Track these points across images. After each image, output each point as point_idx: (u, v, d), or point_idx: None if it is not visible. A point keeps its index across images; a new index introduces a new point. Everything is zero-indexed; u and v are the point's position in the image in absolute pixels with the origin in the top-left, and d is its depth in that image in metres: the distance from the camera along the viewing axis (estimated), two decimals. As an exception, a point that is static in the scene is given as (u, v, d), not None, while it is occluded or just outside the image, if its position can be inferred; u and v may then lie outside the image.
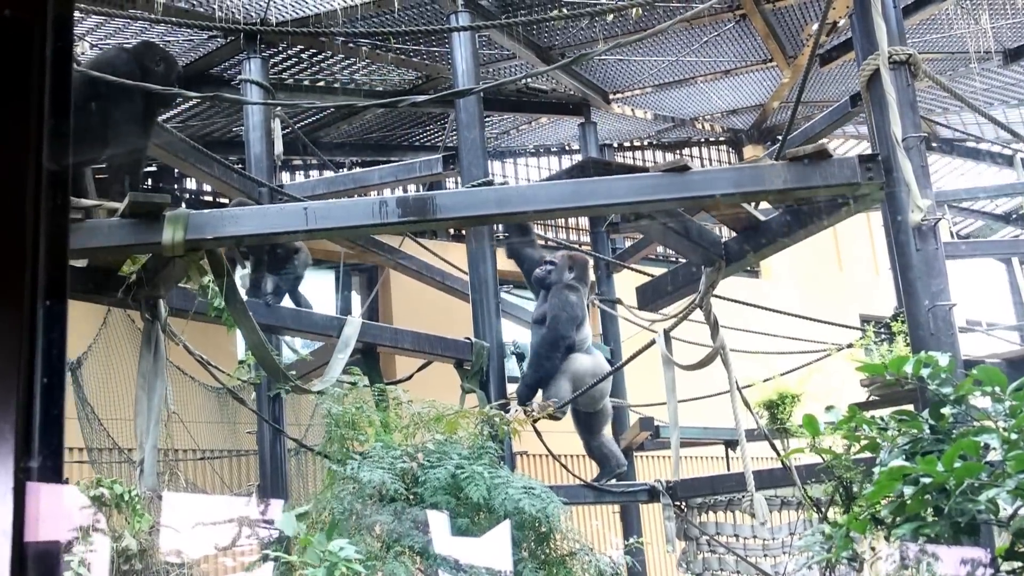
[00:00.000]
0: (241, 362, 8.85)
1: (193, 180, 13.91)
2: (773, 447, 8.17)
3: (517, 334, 11.99)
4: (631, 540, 10.91)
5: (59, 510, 1.82)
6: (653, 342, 7.87)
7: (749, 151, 16.22)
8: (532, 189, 6.55)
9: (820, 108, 13.48)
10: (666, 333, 7.76)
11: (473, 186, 9.14)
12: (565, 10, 11.16)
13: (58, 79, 1.91)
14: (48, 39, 1.91)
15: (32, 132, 1.86)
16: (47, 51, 1.90)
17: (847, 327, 11.57)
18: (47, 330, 1.81)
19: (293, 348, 10.40)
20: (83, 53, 10.33)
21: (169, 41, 11.02)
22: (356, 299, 9.71)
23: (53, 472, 1.80)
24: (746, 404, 8.44)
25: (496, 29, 10.96)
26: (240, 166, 10.85)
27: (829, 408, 4.48)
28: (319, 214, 6.25)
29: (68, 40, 1.96)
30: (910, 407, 5.70)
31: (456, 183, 10.38)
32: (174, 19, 9.76)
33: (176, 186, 14.32)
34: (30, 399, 1.77)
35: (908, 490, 3.62)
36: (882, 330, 8.77)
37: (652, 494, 10.29)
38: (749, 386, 9.31)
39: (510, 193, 6.51)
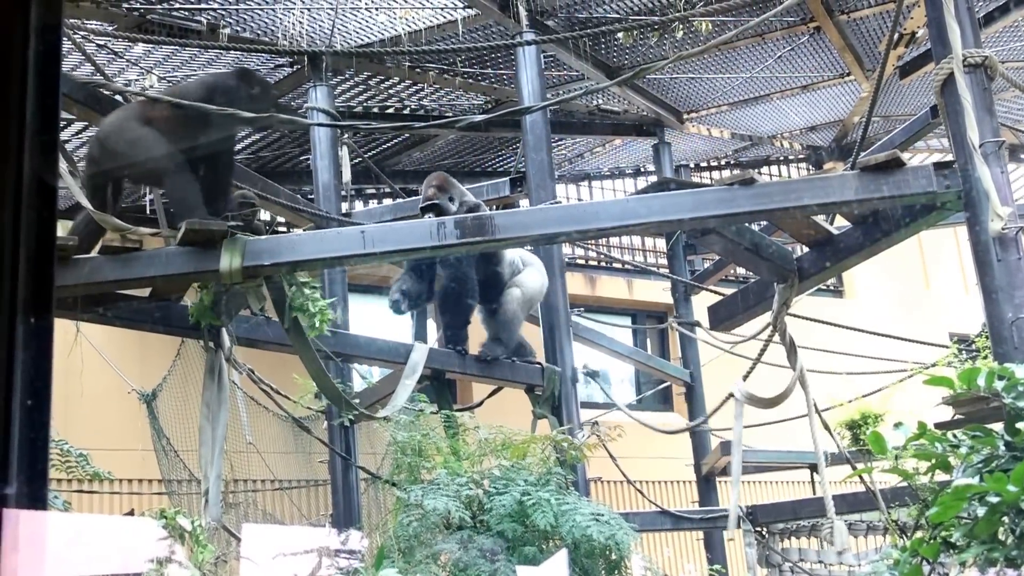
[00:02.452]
0: (317, 395, 8.79)
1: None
2: (855, 469, 7.88)
3: (589, 358, 11.81)
4: (712, 568, 10.64)
5: (39, 540, 1.71)
6: (731, 395, 7.67)
7: (830, 168, 15.89)
8: (592, 207, 6.42)
9: (902, 122, 13.15)
10: (743, 389, 7.52)
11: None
12: (634, 30, 11.03)
13: (43, 87, 1.81)
14: (31, 46, 1.81)
15: (11, 141, 1.75)
16: (29, 58, 1.80)
17: (934, 345, 11.22)
18: (28, 349, 1.70)
19: (363, 375, 10.33)
20: (151, 85, 10.43)
21: (236, 72, 11.07)
22: (432, 325, 9.62)
23: (33, 500, 1.69)
24: (826, 427, 8.20)
25: (562, 47, 10.86)
26: (310, 196, 10.87)
27: (898, 425, 4.24)
28: (376, 237, 6.17)
29: (54, 47, 1.86)
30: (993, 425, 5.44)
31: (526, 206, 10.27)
32: (241, 47, 9.80)
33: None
34: (7, 422, 1.66)
35: (980, 510, 3.40)
36: (968, 347, 8.45)
37: (732, 520, 10.01)
38: (830, 408, 9.05)
39: (569, 212, 6.37)
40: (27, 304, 1.71)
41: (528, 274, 9.55)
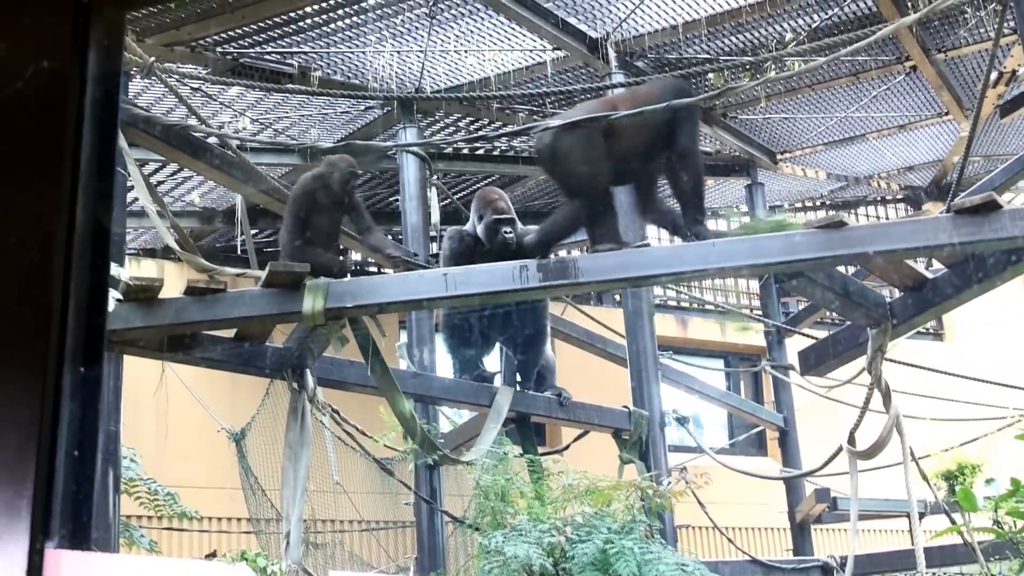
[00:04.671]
0: (405, 436, 8.76)
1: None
2: (952, 521, 7.64)
3: (678, 401, 11.65)
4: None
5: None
6: (840, 449, 7.46)
7: (928, 208, 15.57)
8: (676, 250, 6.31)
9: (1003, 162, 12.84)
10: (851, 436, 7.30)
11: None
12: (725, 70, 10.94)
13: (100, 134, 1.80)
14: (88, 92, 1.79)
15: (64, 188, 1.73)
16: (85, 104, 1.78)
17: (1039, 393, 10.85)
18: (78, 398, 1.67)
19: (449, 418, 10.30)
20: (243, 128, 10.58)
21: (327, 114, 11.20)
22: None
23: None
24: (923, 476, 7.95)
25: (651, 88, 10.78)
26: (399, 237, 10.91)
27: (989, 481, 4.08)
28: (459, 279, 6.13)
29: (112, 93, 1.84)
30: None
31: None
32: (332, 91, 9.90)
33: (341, 258, 14.51)
34: (51, 473, 1.62)
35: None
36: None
37: (825, 571, 9.78)
38: (926, 456, 8.79)
39: (654, 255, 6.26)
40: (76, 354, 1.68)
41: None
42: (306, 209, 6.70)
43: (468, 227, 8.29)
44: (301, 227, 6.66)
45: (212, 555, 9.13)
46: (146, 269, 11.82)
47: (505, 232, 7.82)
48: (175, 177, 11.60)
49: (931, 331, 17.48)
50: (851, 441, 7.24)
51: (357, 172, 6.81)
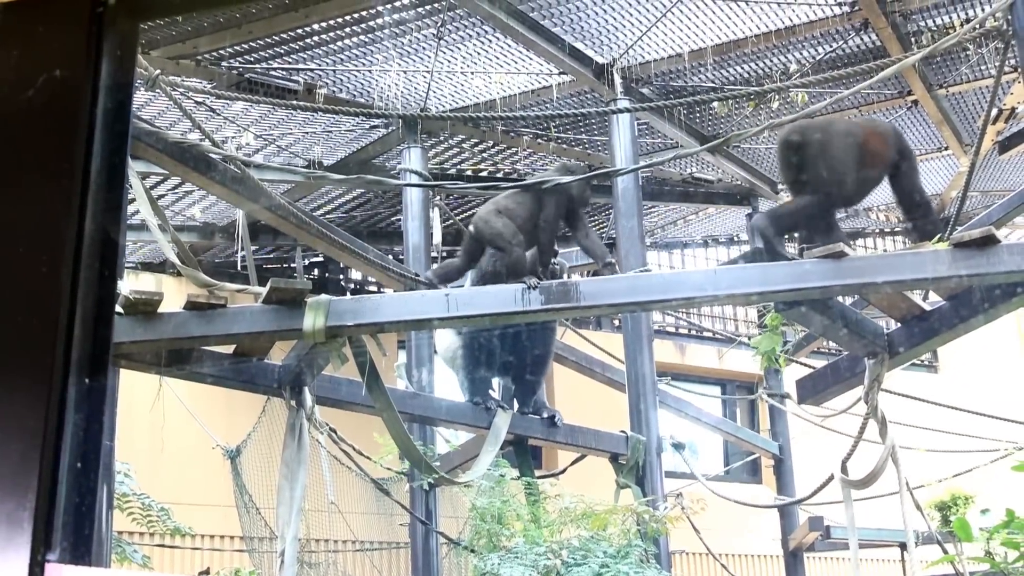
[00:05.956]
0: (401, 457, 8.74)
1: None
2: (944, 551, 7.63)
3: (677, 427, 11.63)
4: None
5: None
6: (832, 477, 7.46)
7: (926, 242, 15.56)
8: (679, 276, 6.33)
9: (1001, 198, 12.86)
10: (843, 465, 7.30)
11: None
12: (730, 100, 10.96)
13: (111, 145, 1.79)
14: (100, 102, 1.78)
15: (74, 197, 1.72)
16: (97, 115, 1.78)
17: (1030, 426, 10.85)
18: (82, 410, 1.66)
19: (446, 439, 10.27)
20: (247, 143, 10.60)
21: (331, 131, 11.20)
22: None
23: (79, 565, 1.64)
24: (917, 506, 7.95)
25: (657, 115, 10.82)
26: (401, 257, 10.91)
27: (984, 512, 4.07)
28: (461, 301, 6.14)
29: (125, 104, 1.84)
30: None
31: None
32: (337, 108, 9.92)
33: (342, 276, 14.54)
34: (54, 485, 1.61)
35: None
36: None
37: (819, 600, 9.74)
38: (921, 487, 8.79)
39: (655, 280, 6.28)
40: (81, 364, 1.67)
41: None
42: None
43: None
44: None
45: (205, 572, 9.10)
46: (145, 283, 11.80)
47: (554, 265, 7.90)
48: (176, 191, 11.60)
49: (925, 363, 17.46)
50: (844, 470, 7.23)
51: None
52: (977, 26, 8.35)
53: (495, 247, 6.80)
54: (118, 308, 5.85)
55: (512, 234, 6.60)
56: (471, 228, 6.99)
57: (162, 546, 10.03)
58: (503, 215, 6.77)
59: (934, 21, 9.97)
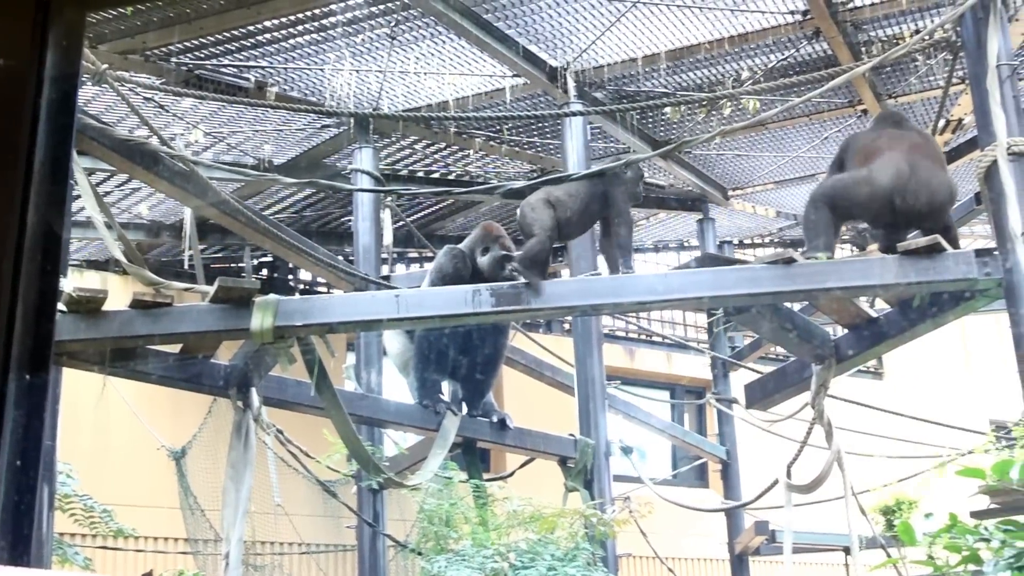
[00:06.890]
0: (348, 458, 8.67)
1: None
2: (888, 555, 7.71)
3: (626, 431, 11.65)
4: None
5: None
6: (776, 481, 7.52)
7: (873, 250, 15.70)
8: (630, 280, 6.31)
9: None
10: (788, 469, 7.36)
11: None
12: (682, 105, 11.00)
13: (56, 137, 1.75)
14: (45, 93, 1.74)
15: (16, 189, 1.68)
16: (41, 106, 1.74)
17: (973, 432, 10.99)
18: (22, 407, 1.62)
19: (395, 441, 10.21)
20: (196, 140, 10.49)
21: (282, 130, 11.13)
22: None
23: (16, 566, 1.60)
24: (862, 511, 8.02)
25: (610, 119, 10.83)
26: (351, 257, 10.85)
27: (928, 515, 4.11)
28: (411, 302, 6.12)
29: (70, 95, 1.80)
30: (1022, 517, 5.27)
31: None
32: (288, 106, 9.85)
33: (291, 276, 14.44)
34: (-7, 482, 1.57)
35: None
36: (1006, 435, 8.27)
37: (764, 604, 9.80)
38: (865, 492, 8.87)
39: (606, 284, 6.28)
40: (22, 360, 1.63)
41: None
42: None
43: (463, 247, 8.23)
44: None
45: (149, 575, 8.98)
46: (90, 281, 11.65)
47: (512, 269, 7.81)
48: (123, 188, 11.45)
49: (871, 369, 17.62)
50: (788, 474, 7.29)
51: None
52: (926, 37, 8.43)
53: (526, 234, 6.76)
54: (61, 306, 5.78)
55: (544, 228, 6.57)
56: (518, 211, 6.97)
57: (105, 548, 9.91)
58: (550, 206, 6.74)
59: (885, 31, 10.06)
